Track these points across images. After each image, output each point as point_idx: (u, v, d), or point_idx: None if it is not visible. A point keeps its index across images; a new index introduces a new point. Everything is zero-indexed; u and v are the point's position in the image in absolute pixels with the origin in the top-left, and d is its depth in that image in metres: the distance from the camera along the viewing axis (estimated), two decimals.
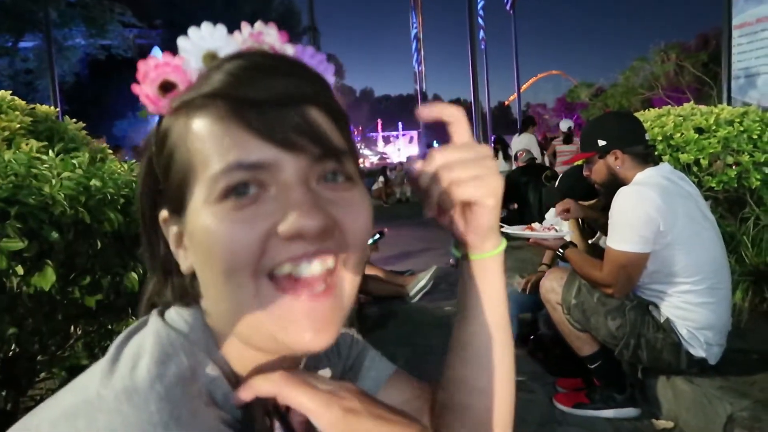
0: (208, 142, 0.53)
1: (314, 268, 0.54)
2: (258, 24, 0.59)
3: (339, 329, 0.57)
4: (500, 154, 12.20)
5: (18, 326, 1.65)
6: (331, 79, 0.62)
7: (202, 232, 0.53)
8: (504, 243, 0.73)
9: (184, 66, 0.56)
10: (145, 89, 0.57)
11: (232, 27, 0.60)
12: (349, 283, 0.59)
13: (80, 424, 0.46)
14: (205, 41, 0.57)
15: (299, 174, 0.54)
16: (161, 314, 0.60)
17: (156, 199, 0.61)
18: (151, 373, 0.50)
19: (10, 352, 1.72)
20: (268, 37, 0.59)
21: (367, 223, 0.58)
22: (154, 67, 0.56)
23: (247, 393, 0.55)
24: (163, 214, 0.61)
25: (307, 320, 0.54)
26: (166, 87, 0.56)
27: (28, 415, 0.51)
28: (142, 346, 0.54)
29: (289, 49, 0.60)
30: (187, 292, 0.62)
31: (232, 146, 0.52)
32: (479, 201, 0.67)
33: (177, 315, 0.60)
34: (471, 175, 0.65)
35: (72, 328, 2.00)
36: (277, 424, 0.57)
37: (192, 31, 0.57)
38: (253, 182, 0.53)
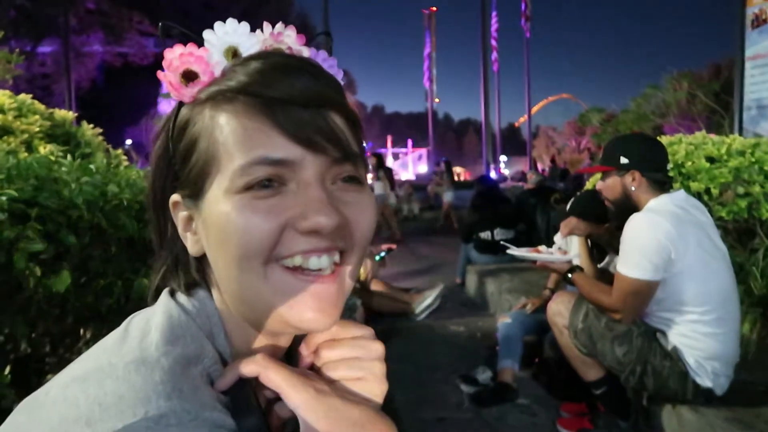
0: (234, 135, 0.57)
1: (323, 261, 0.58)
2: (279, 25, 0.63)
3: (340, 313, 0.60)
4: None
5: (31, 327, 1.67)
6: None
7: (221, 219, 0.57)
8: None
9: (207, 57, 0.60)
10: (169, 76, 0.60)
11: None
12: (351, 272, 0.62)
13: (90, 388, 0.49)
14: (229, 36, 0.61)
15: (318, 173, 0.58)
16: (172, 295, 0.63)
17: (168, 182, 0.64)
18: (159, 348, 0.53)
19: (21, 353, 1.73)
20: (287, 38, 0.63)
21: (373, 224, 0.63)
22: (179, 56, 0.59)
23: (231, 374, 0.58)
24: (174, 197, 0.63)
25: (313, 300, 0.58)
26: (188, 76, 0.60)
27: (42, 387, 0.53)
28: (153, 323, 0.57)
29: (305, 51, 0.64)
30: (192, 277, 0.65)
31: (259, 142, 0.56)
32: None
33: (186, 299, 0.63)
34: (354, 378, 0.63)
35: (81, 331, 2.01)
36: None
37: (218, 25, 0.61)
38: (275, 177, 0.56)
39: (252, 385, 0.61)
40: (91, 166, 2.02)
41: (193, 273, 0.65)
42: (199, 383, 0.53)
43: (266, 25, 0.62)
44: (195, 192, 0.60)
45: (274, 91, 0.56)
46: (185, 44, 0.60)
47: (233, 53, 0.60)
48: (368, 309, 4.59)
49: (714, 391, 2.37)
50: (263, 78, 0.57)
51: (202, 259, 0.64)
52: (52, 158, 2.01)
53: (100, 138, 3.88)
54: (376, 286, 4.93)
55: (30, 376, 1.73)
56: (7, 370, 1.61)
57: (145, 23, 22.12)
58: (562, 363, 2.87)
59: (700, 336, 2.35)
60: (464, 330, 4.66)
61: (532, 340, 3.57)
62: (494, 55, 29.64)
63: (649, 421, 2.74)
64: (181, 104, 0.62)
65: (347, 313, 2.99)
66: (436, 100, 39.38)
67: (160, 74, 0.61)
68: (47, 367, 1.90)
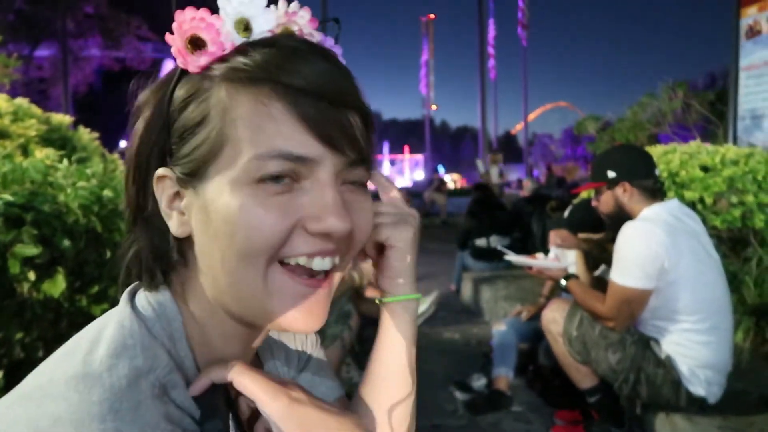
0: (252, 121, 0.53)
1: (326, 263, 0.58)
2: (294, 3, 0.59)
3: (326, 316, 0.60)
4: None
5: (25, 331, 1.66)
6: None
7: (227, 211, 0.53)
8: (418, 297, 0.78)
9: (218, 26, 0.55)
10: (176, 41, 0.56)
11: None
12: (339, 276, 0.63)
13: (31, 408, 0.47)
14: (244, 6, 0.56)
15: (334, 174, 0.56)
16: (132, 298, 0.60)
17: (156, 152, 0.58)
18: (103, 363, 0.50)
19: (15, 357, 1.73)
20: (301, 19, 0.59)
21: (371, 228, 0.65)
22: (189, 19, 0.55)
23: (204, 380, 0.57)
24: (161, 171, 0.58)
25: (305, 302, 0.58)
26: (196, 43, 0.55)
27: None
28: (104, 334, 0.54)
29: (317, 36, 0.61)
30: (166, 264, 0.60)
31: (279, 133, 0.53)
32: (391, 242, 0.73)
33: (146, 301, 0.59)
34: (388, 222, 0.73)
35: None
36: (230, 414, 0.60)
37: None
38: (290, 173, 0.54)
39: (233, 393, 0.60)
40: (87, 171, 2.02)
41: (173, 255, 0.60)
42: (144, 398, 0.50)
43: (282, 2, 0.59)
44: (194, 173, 0.56)
45: (301, 82, 0.53)
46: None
47: (245, 26, 0.56)
48: (363, 315, 4.58)
49: (707, 399, 2.38)
50: (289, 64, 0.53)
51: (182, 242, 0.60)
52: (48, 162, 2.01)
53: (97, 142, 3.89)
54: (370, 293, 4.92)
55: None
56: (0, 374, 1.60)
57: (144, 28, 22.14)
58: (557, 370, 2.87)
59: (693, 344, 2.36)
60: (459, 337, 4.66)
61: (526, 348, 3.58)
62: (491, 62, 29.80)
63: (643, 428, 2.75)
64: (182, 72, 0.57)
65: (342, 320, 2.99)
66: (434, 107, 39.51)
67: (168, 37, 0.56)
68: None
